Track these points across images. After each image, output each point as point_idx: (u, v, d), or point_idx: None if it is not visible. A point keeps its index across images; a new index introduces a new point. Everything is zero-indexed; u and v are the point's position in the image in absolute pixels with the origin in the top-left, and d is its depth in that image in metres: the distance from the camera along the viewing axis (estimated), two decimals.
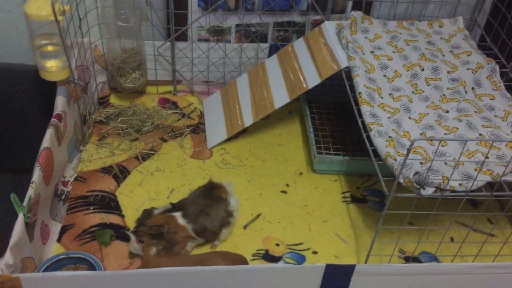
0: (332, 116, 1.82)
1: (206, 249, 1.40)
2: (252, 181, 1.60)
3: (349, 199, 1.57)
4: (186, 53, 1.82)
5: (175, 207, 1.37)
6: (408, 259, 1.40)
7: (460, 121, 1.39)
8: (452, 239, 1.46)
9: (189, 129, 1.76)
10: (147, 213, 1.37)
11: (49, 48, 1.52)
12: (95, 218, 1.44)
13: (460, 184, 1.19)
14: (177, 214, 1.34)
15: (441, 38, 1.68)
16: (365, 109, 1.38)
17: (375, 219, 1.51)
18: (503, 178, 1.21)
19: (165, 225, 1.30)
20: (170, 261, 1.24)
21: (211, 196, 1.40)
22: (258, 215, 1.50)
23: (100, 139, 1.69)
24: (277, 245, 1.43)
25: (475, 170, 1.23)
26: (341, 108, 1.83)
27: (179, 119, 1.80)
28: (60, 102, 1.50)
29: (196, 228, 1.34)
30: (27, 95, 1.76)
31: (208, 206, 1.37)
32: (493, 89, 1.51)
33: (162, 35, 1.80)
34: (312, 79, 1.59)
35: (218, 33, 1.82)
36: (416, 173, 1.18)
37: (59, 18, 1.39)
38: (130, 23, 1.67)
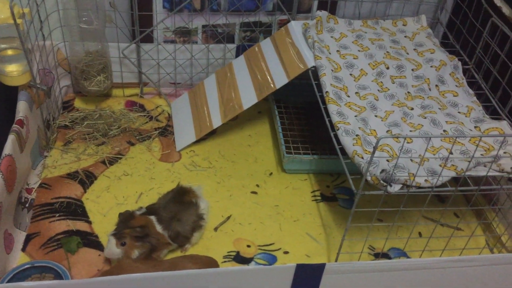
0: (301, 116, 1.82)
1: (177, 253, 1.38)
2: (222, 182, 1.59)
3: (319, 198, 1.58)
4: (152, 54, 1.80)
5: (148, 210, 1.35)
6: (378, 256, 1.42)
7: (425, 118, 1.41)
8: (420, 234, 1.48)
9: (157, 131, 1.74)
10: (128, 215, 1.31)
11: (9, 52, 1.47)
12: (61, 225, 1.41)
13: (425, 180, 1.21)
14: (153, 218, 1.31)
15: (405, 37, 1.71)
16: (332, 108, 1.39)
17: (345, 217, 1.52)
18: (467, 173, 1.23)
19: (148, 227, 1.28)
20: (143, 267, 1.22)
21: (181, 201, 1.38)
22: (229, 217, 1.49)
23: (65, 144, 1.65)
24: (248, 246, 1.42)
25: (440, 166, 1.25)
26: (310, 108, 1.84)
27: (147, 122, 1.78)
28: (22, 108, 1.46)
29: (170, 234, 1.32)
30: None
31: (179, 212, 1.35)
32: (456, 85, 1.54)
33: (127, 37, 1.77)
34: (279, 79, 1.59)
35: (184, 34, 1.80)
36: (382, 170, 1.19)
37: (18, 21, 1.35)
38: (93, 25, 1.64)
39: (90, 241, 1.38)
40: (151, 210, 1.35)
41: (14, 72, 1.46)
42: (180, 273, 1.11)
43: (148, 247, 1.28)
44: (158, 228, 1.31)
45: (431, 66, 1.57)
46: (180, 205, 1.37)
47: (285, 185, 1.61)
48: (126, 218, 1.31)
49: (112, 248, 1.26)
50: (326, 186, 1.62)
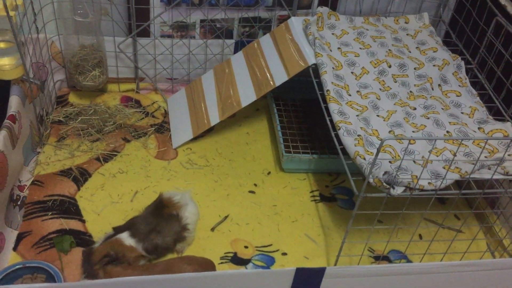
0: (300, 114, 1.79)
1: (173, 254, 1.35)
2: (219, 181, 1.56)
3: (318, 198, 1.55)
4: (148, 49, 1.76)
5: (118, 229, 1.28)
6: (378, 258, 1.39)
7: (428, 118, 1.38)
8: (420, 237, 1.46)
9: (153, 128, 1.70)
10: (87, 253, 1.25)
11: (1, 45, 1.43)
12: (54, 224, 1.37)
13: (429, 183, 1.18)
14: (124, 236, 1.25)
15: (407, 34, 1.67)
16: (333, 107, 1.36)
17: (344, 218, 1.49)
18: (471, 176, 1.21)
19: (110, 252, 1.21)
20: (135, 272, 1.19)
21: (161, 214, 1.31)
22: (226, 217, 1.46)
23: (58, 140, 1.61)
24: (246, 247, 1.39)
25: (444, 168, 1.22)
26: (309, 106, 1.80)
27: (143, 118, 1.74)
28: (14, 102, 1.42)
29: (147, 246, 1.26)
30: None
31: (159, 224, 1.29)
32: (459, 85, 1.51)
33: (123, 31, 1.73)
34: (279, 76, 1.56)
35: (182, 29, 1.76)
36: (385, 172, 1.16)
37: (11, 13, 1.31)
38: (88, 18, 1.60)
39: (84, 240, 1.34)
40: (125, 226, 1.29)
41: (6, 65, 1.42)
42: (177, 276, 1.08)
43: (123, 262, 1.22)
44: (130, 241, 1.24)
45: (434, 65, 1.54)
46: (159, 217, 1.30)
47: (284, 184, 1.58)
48: (87, 257, 1.24)
49: None
50: (325, 186, 1.59)
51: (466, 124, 1.37)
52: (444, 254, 1.35)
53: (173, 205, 1.31)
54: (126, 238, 1.24)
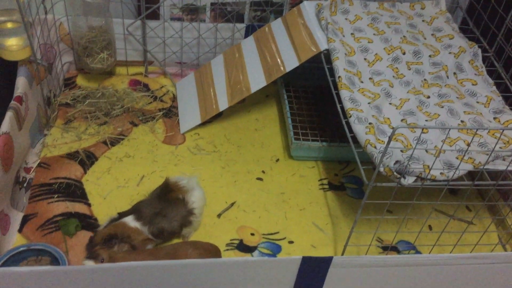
0: (310, 101, 1.76)
1: (179, 239, 1.33)
2: (227, 167, 1.54)
3: (326, 186, 1.52)
4: (158, 32, 1.73)
5: (123, 214, 1.27)
6: (386, 249, 1.37)
7: (442, 107, 1.34)
8: (430, 228, 1.43)
9: (161, 112, 1.68)
10: (91, 237, 1.25)
11: (9, 25, 1.41)
12: (60, 207, 1.36)
13: (441, 173, 1.15)
14: (128, 219, 1.24)
15: (423, 21, 1.63)
16: (344, 94, 1.33)
17: (353, 207, 1.47)
18: (485, 167, 1.17)
19: (113, 233, 1.20)
20: (140, 256, 1.17)
21: (167, 198, 1.29)
22: (233, 203, 1.44)
23: (65, 123, 1.60)
24: (252, 234, 1.37)
25: (457, 158, 1.19)
26: (320, 92, 1.77)
27: (151, 102, 1.72)
28: (20, 84, 1.41)
29: (153, 230, 1.24)
30: None
31: (165, 208, 1.27)
32: (475, 74, 1.47)
33: (132, 13, 1.70)
34: (290, 61, 1.53)
35: (192, 12, 1.73)
36: (396, 161, 1.13)
37: None
38: None
39: (89, 224, 1.33)
40: (130, 210, 1.27)
41: (14, 46, 1.40)
42: (182, 262, 1.07)
43: (127, 246, 1.21)
44: (135, 224, 1.23)
45: (450, 53, 1.49)
46: (165, 201, 1.28)
47: (292, 172, 1.55)
48: (89, 240, 1.24)
49: None
50: (335, 174, 1.56)
51: (481, 113, 1.33)
52: (454, 246, 1.32)
53: (179, 189, 1.29)
54: (130, 221, 1.23)
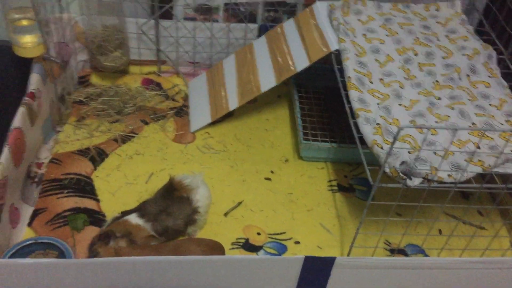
0: (321, 101, 1.75)
1: (184, 238, 1.34)
2: (236, 166, 1.54)
3: (335, 187, 1.51)
4: (171, 32, 1.75)
5: (126, 213, 1.27)
6: (393, 251, 1.35)
7: (453, 109, 1.32)
8: (440, 231, 1.41)
9: (173, 111, 1.70)
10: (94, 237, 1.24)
11: (24, 22, 1.44)
12: (69, 202, 1.38)
13: (449, 175, 1.13)
14: (131, 216, 1.24)
15: (437, 22, 1.61)
16: (353, 94, 1.32)
17: (362, 209, 1.45)
18: (494, 170, 1.15)
19: (112, 231, 1.19)
20: (144, 251, 1.18)
21: (171, 196, 1.29)
22: (240, 203, 1.44)
23: (78, 120, 1.62)
24: (258, 234, 1.37)
25: (466, 160, 1.17)
26: (331, 93, 1.76)
27: (163, 101, 1.73)
28: (34, 80, 1.43)
29: (157, 228, 1.24)
30: (1, 72, 1.68)
31: (170, 206, 1.27)
32: (489, 76, 1.44)
33: (146, 12, 1.72)
34: (300, 61, 1.52)
35: (205, 12, 1.74)
36: (403, 162, 1.12)
37: None
38: None
39: (97, 219, 1.35)
40: (134, 209, 1.28)
41: (28, 43, 1.43)
42: (185, 258, 1.07)
43: (126, 240, 1.20)
44: (137, 221, 1.23)
45: (463, 55, 1.47)
46: (170, 200, 1.28)
47: (301, 172, 1.55)
48: (91, 240, 1.23)
49: None
50: (344, 176, 1.55)
51: (493, 116, 1.31)
52: (463, 250, 1.29)
53: (183, 187, 1.29)
54: (133, 218, 1.24)
